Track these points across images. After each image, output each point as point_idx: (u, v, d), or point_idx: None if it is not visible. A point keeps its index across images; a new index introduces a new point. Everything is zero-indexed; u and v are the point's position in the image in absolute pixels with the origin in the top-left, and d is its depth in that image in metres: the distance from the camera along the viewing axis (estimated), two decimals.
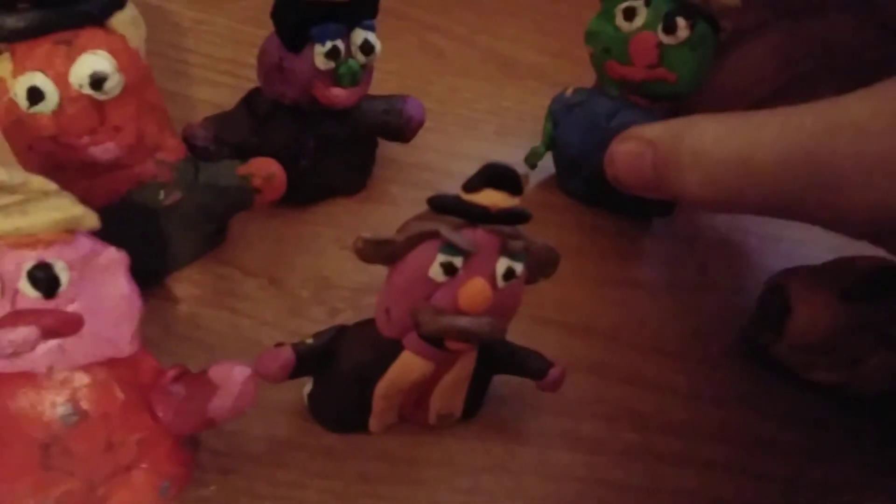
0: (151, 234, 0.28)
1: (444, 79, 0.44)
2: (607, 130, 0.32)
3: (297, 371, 0.25)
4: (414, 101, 0.35)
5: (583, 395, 0.31)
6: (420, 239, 0.23)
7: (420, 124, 0.35)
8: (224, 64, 0.39)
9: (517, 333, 0.29)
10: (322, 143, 0.32)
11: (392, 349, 0.25)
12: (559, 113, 0.35)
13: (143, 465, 0.23)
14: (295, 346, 0.25)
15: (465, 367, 0.27)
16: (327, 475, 0.27)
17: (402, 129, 0.35)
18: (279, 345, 0.25)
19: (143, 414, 0.23)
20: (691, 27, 0.30)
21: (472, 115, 0.42)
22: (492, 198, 0.23)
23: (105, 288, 0.21)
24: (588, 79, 0.35)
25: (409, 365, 0.25)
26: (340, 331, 0.26)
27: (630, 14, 0.31)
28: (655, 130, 0.27)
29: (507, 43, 0.49)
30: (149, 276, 0.29)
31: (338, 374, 0.26)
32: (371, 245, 0.23)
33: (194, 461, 0.26)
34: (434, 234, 0.23)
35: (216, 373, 0.24)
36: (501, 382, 0.30)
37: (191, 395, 0.23)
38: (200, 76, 0.38)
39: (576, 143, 0.34)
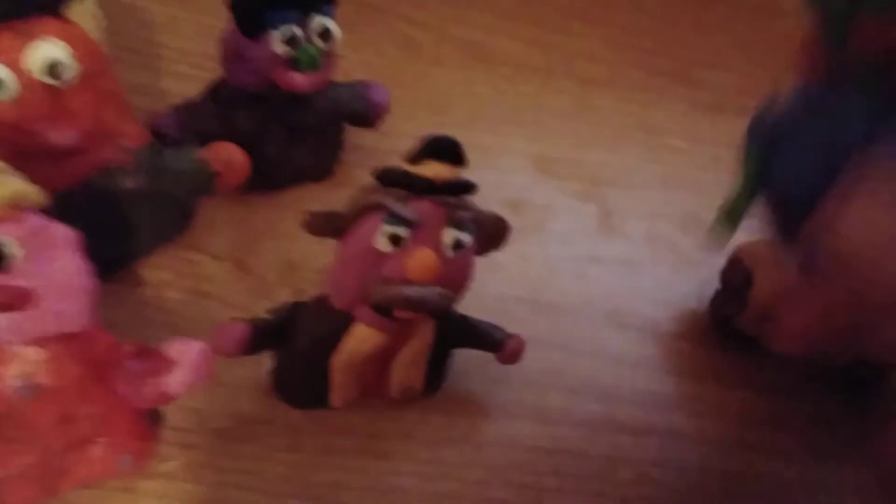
0: (115, 218, 0.29)
1: (417, 67, 0.45)
2: (865, 154, 0.17)
3: (253, 346, 0.25)
4: (378, 88, 0.35)
5: (547, 368, 0.32)
6: (366, 211, 0.24)
7: (384, 110, 0.35)
8: (195, 57, 0.40)
9: (483, 310, 0.29)
10: (288, 129, 0.33)
11: (344, 322, 0.25)
12: (774, 136, 0.20)
13: (102, 439, 0.24)
14: (249, 321, 0.25)
15: (422, 339, 0.27)
16: (290, 449, 0.28)
17: (367, 114, 0.35)
18: (235, 320, 0.25)
19: (100, 388, 0.24)
20: None
21: (443, 102, 0.43)
22: (435, 169, 0.24)
23: (55, 263, 0.22)
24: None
25: (361, 336, 0.25)
26: (296, 306, 0.26)
27: None
28: None
29: (480, 33, 0.49)
30: (116, 260, 0.30)
31: (294, 349, 0.26)
32: (319, 218, 0.24)
33: (156, 436, 0.26)
34: (379, 206, 0.23)
35: (172, 348, 0.24)
36: (466, 357, 0.30)
37: (147, 369, 0.24)
38: (171, 69, 0.39)
39: (807, 176, 0.19)
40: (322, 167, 0.36)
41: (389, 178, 0.24)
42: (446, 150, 0.23)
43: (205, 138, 0.32)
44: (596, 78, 0.45)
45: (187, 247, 0.32)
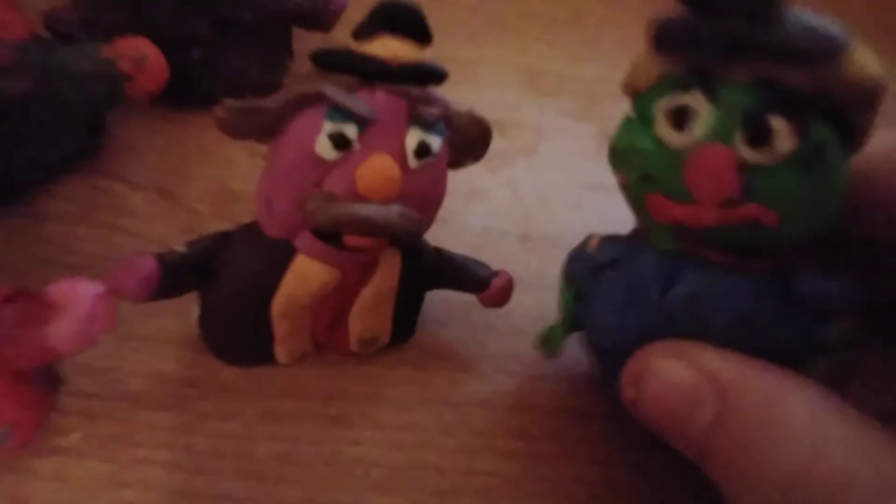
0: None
1: None
2: (662, 306, 0.18)
3: (164, 287, 0.20)
4: None
5: (541, 312, 0.26)
6: (300, 104, 0.18)
7: (342, 9, 0.29)
8: None
9: (463, 245, 0.24)
10: (218, 27, 0.27)
11: (282, 254, 0.20)
12: (582, 279, 0.21)
13: None
14: (159, 256, 0.20)
15: (386, 278, 0.22)
16: (222, 416, 0.22)
17: (320, 14, 0.29)
18: (139, 255, 0.20)
19: None
20: (800, 131, 0.16)
21: None
22: (391, 47, 0.18)
23: None
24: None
25: (304, 273, 0.20)
26: (221, 237, 0.21)
27: (683, 117, 0.17)
28: (726, 366, 0.16)
29: None
30: (7, 188, 0.24)
31: (221, 291, 0.21)
32: (236, 114, 0.18)
33: (50, 403, 0.21)
34: (317, 97, 0.18)
35: (57, 291, 0.19)
36: (440, 300, 0.25)
37: (25, 319, 0.19)
38: None
39: (612, 325, 0.19)
40: (266, 77, 0.30)
41: (330, 60, 0.18)
42: (405, 20, 0.18)
43: (112, 36, 0.26)
44: None
45: (99, 172, 0.26)
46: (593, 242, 0.21)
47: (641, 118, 0.18)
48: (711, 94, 0.17)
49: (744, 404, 0.16)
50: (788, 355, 0.17)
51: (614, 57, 0.36)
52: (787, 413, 0.15)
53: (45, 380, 0.21)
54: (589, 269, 0.20)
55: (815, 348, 0.17)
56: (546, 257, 0.29)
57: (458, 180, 0.30)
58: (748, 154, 0.16)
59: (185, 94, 0.27)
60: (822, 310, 0.17)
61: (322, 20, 0.29)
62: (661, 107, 0.17)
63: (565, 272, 0.22)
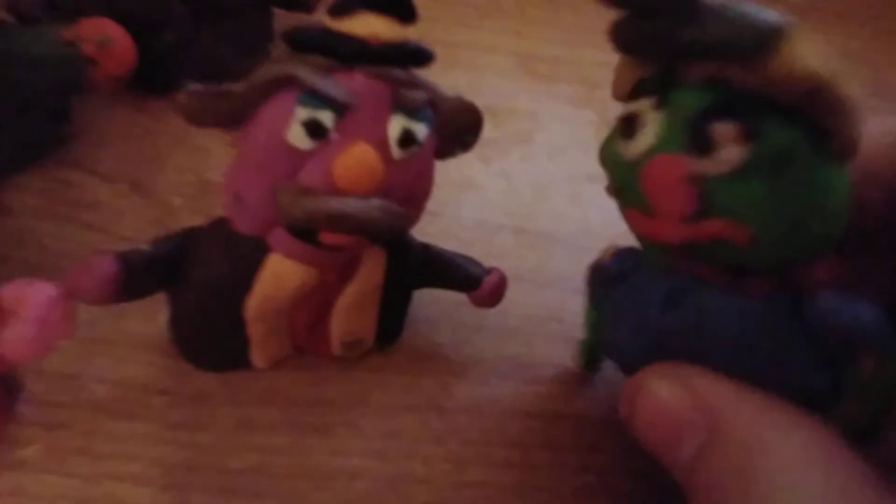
0: None
1: None
2: (661, 325, 0.16)
3: (127, 288, 0.18)
4: None
5: (536, 312, 0.25)
6: (270, 88, 0.16)
7: None
8: None
9: (455, 239, 0.23)
10: (193, 8, 0.25)
11: (255, 252, 0.18)
12: (597, 293, 0.20)
13: None
14: (120, 255, 0.18)
15: (370, 277, 0.20)
16: (196, 426, 0.21)
17: None
18: (100, 254, 0.18)
19: None
20: (749, 136, 0.14)
21: None
22: (371, 25, 0.16)
23: None
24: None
25: (279, 273, 0.18)
26: (189, 234, 0.19)
27: (630, 126, 0.16)
28: (717, 394, 0.16)
29: None
30: None
31: (191, 293, 0.19)
32: (199, 99, 0.16)
33: (8, 413, 0.19)
34: (290, 80, 0.16)
35: (9, 294, 0.17)
36: (430, 299, 0.24)
37: None
38: None
39: (620, 342, 0.18)
40: (243, 62, 0.28)
41: (303, 39, 0.16)
42: None
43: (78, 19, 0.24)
44: None
45: (64, 163, 0.25)
46: (608, 254, 0.19)
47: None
48: (661, 99, 0.15)
49: (732, 435, 0.15)
50: (804, 392, 0.15)
51: None
52: (776, 451, 0.14)
53: (2, 388, 0.19)
54: (601, 280, 0.19)
55: (836, 386, 0.15)
56: (543, 252, 0.27)
57: (450, 171, 0.28)
58: (697, 164, 0.14)
59: (157, 80, 0.25)
60: (837, 338, 0.15)
61: (303, 1, 0.28)
62: (618, 116, 0.16)
63: (587, 283, 0.20)
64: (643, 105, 0.15)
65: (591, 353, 0.22)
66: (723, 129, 0.14)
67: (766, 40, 0.13)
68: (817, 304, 0.15)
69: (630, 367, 0.17)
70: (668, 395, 0.16)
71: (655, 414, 0.16)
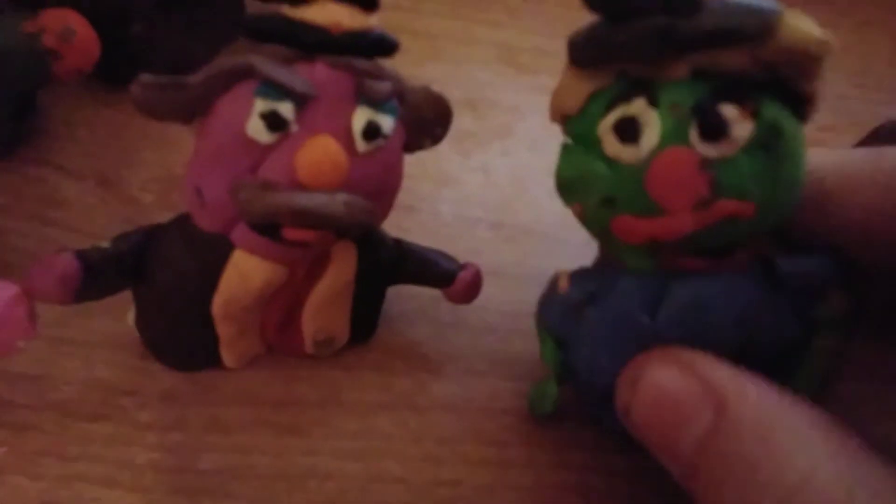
0: None
1: None
2: (655, 328, 0.17)
3: (88, 287, 0.18)
4: None
5: (514, 308, 0.24)
6: (227, 79, 0.16)
7: None
8: None
9: (432, 235, 0.22)
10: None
11: (219, 249, 0.18)
12: (562, 326, 0.19)
13: None
14: (80, 253, 0.18)
15: (340, 273, 0.20)
16: (166, 427, 0.20)
17: None
18: (59, 252, 0.18)
19: None
20: (753, 113, 0.15)
21: None
22: (332, 13, 0.16)
23: None
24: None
25: (244, 270, 0.18)
26: (151, 231, 0.19)
27: (631, 129, 0.16)
28: (726, 377, 0.15)
29: None
30: None
31: (155, 292, 0.19)
32: (153, 90, 0.16)
33: None
34: (246, 71, 0.16)
35: None
36: (406, 295, 0.23)
37: None
38: None
39: (605, 365, 0.17)
40: (213, 55, 0.27)
41: (261, 28, 0.16)
42: None
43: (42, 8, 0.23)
44: None
45: (30, 159, 0.24)
46: (563, 283, 0.19)
47: (583, 142, 0.17)
48: (653, 98, 0.16)
49: (742, 416, 0.14)
50: (786, 343, 0.17)
51: None
52: (785, 427, 0.14)
53: None
54: (564, 311, 0.19)
55: (808, 330, 0.17)
56: (521, 246, 0.27)
57: (428, 164, 0.28)
58: (707, 150, 0.15)
59: (124, 72, 0.24)
60: (808, 288, 0.16)
61: None
62: (605, 125, 0.16)
63: (540, 320, 0.20)
64: (638, 108, 0.16)
65: (553, 395, 0.21)
66: (731, 112, 0.15)
67: (769, 21, 0.14)
68: (783, 261, 0.16)
69: (610, 394, 0.17)
70: (672, 381, 0.15)
71: (658, 401, 0.16)
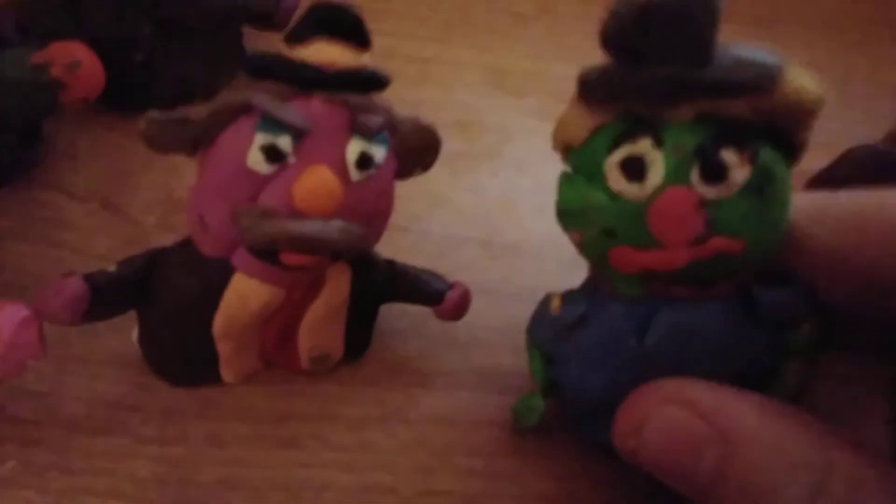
0: None
1: None
2: (643, 351, 0.18)
3: (95, 309, 0.19)
4: None
5: (502, 324, 0.25)
6: (228, 114, 0.17)
7: (294, 7, 0.28)
8: None
9: (422, 254, 0.23)
10: (162, 28, 0.26)
11: (220, 273, 0.19)
12: (551, 344, 0.20)
13: None
14: (88, 276, 0.19)
15: (335, 293, 0.21)
16: (167, 441, 0.21)
17: (271, 13, 0.28)
18: (68, 275, 0.19)
19: None
20: (751, 159, 0.16)
21: (375, 4, 0.35)
22: (327, 52, 0.17)
23: None
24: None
25: (244, 292, 0.19)
26: (155, 255, 0.20)
27: (637, 168, 0.17)
28: (721, 404, 0.16)
29: None
30: None
31: (158, 312, 0.20)
32: (160, 126, 0.17)
33: None
34: (248, 107, 0.17)
35: None
36: (398, 312, 0.24)
37: None
38: None
39: (594, 384, 0.19)
40: (216, 82, 0.28)
41: (261, 67, 0.17)
42: (341, 23, 0.17)
43: (51, 40, 0.24)
44: None
45: (36, 184, 0.25)
46: (555, 303, 0.20)
47: (585, 174, 0.18)
48: (658, 138, 0.17)
49: (745, 442, 0.16)
50: (761, 366, 0.18)
51: (584, 54, 0.35)
52: (788, 442, 0.15)
53: None
54: (555, 331, 0.20)
55: (779, 355, 0.18)
56: (509, 264, 0.28)
57: (419, 186, 0.29)
58: (706, 190, 0.16)
59: (128, 99, 0.26)
60: (782, 318, 0.18)
61: (274, 19, 0.28)
62: (612, 161, 0.17)
63: (531, 337, 0.21)
64: (644, 147, 0.17)
65: (538, 408, 0.22)
66: (731, 157, 0.16)
67: (773, 76, 0.16)
68: (762, 292, 0.18)
69: (603, 406, 0.18)
70: (679, 417, 0.16)
71: (670, 439, 0.16)
